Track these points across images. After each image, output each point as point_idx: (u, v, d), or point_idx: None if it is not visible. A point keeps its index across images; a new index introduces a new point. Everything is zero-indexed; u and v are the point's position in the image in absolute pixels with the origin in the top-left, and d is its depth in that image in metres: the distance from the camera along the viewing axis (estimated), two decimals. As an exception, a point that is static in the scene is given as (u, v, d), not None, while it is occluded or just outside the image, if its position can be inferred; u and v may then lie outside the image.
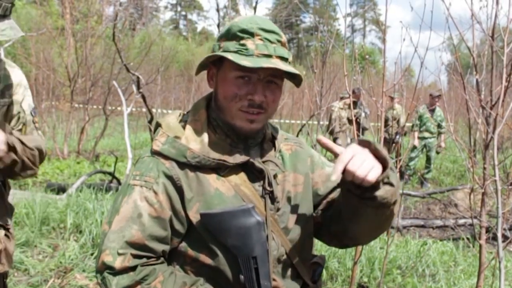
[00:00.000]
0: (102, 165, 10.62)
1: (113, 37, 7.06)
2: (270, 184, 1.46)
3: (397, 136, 9.55)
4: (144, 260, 1.36)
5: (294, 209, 1.53)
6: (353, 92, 8.59)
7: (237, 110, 1.40)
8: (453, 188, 8.22)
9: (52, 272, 4.29)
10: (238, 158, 1.43)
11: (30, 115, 2.24)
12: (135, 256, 1.35)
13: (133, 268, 1.34)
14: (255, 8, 5.90)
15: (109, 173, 7.92)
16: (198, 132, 1.43)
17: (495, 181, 2.77)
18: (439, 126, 9.69)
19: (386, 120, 8.77)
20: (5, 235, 2.17)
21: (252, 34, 1.38)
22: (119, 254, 1.33)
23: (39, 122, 2.34)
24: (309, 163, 1.64)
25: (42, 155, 2.19)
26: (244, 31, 1.38)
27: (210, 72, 1.49)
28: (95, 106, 14.65)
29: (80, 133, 12.41)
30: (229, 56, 1.35)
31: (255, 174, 1.46)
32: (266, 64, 1.33)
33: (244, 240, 1.35)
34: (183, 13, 63.17)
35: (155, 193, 1.37)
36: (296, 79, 1.47)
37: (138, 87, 7.10)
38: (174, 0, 62.27)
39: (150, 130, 7.10)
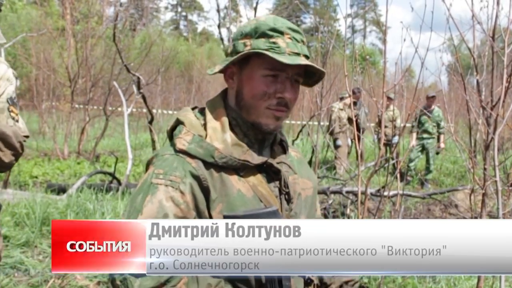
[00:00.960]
0: (102, 165, 10.62)
1: (114, 37, 7.07)
2: (286, 185, 1.46)
3: (394, 138, 9.54)
4: None
5: (304, 211, 1.55)
6: (353, 92, 8.60)
7: (265, 108, 1.40)
8: (453, 189, 8.20)
9: (52, 273, 4.29)
10: (257, 159, 1.43)
11: (6, 102, 2.19)
12: None
13: None
14: (255, 9, 5.91)
15: (110, 174, 7.92)
16: (219, 132, 1.41)
17: (496, 182, 2.77)
18: (438, 126, 9.66)
19: (381, 122, 8.75)
20: None
21: (282, 33, 1.38)
22: None
23: (18, 114, 2.28)
24: (313, 173, 1.69)
25: (7, 140, 2.10)
26: (274, 29, 1.38)
27: (229, 71, 1.47)
28: (95, 107, 14.66)
29: (81, 133, 12.41)
30: (268, 53, 1.35)
31: (271, 175, 1.46)
32: (302, 62, 1.35)
33: None
34: (184, 13, 63.19)
35: (182, 193, 1.33)
36: (312, 79, 1.49)
37: (139, 88, 7.11)
38: (174, 0, 62.33)
39: (151, 130, 7.11)
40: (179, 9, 62.95)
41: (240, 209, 1.36)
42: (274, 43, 1.37)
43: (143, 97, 6.96)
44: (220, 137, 1.40)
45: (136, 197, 1.37)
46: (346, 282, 1.65)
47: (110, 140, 14.91)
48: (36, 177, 8.95)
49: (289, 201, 1.47)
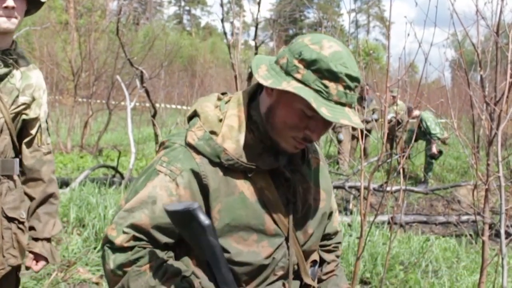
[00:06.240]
0: (105, 159, 10.64)
1: (117, 31, 7.06)
2: (294, 195, 1.44)
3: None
4: (144, 243, 1.37)
5: (313, 223, 1.52)
6: (361, 88, 8.52)
7: (290, 137, 1.36)
8: (456, 184, 8.20)
9: (55, 265, 4.30)
10: (269, 164, 1.40)
11: (45, 122, 2.31)
12: (136, 239, 1.36)
13: (131, 248, 1.36)
14: (259, 3, 5.88)
15: (112, 168, 7.94)
16: (235, 130, 1.38)
17: (499, 177, 2.76)
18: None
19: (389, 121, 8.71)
20: (19, 228, 2.21)
21: (338, 79, 1.27)
22: (123, 233, 1.35)
23: (50, 126, 2.46)
24: (330, 183, 1.65)
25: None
26: (331, 72, 1.27)
27: None
28: (98, 101, 14.68)
29: (84, 127, 12.43)
30: (312, 100, 1.25)
31: (281, 181, 1.44)
32: (343, 120, 1.26)
33: (192, 242, 1.33)
34: (187, 8, 63.10)
35: (177, 185, 1.35)
36: None
37: (142, 82, 7.11)
38: (177, -6, 62.15)
39: (154, 124, 7.12)
40: (183, 3, 62.84)
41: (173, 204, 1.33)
42: (325, 86, 1.27)
43: (146, 91, 6.97)
44: (234, 136, 1.37)
45: (140, 177, 1.42)
46: None
47: (113, 134, 14.93)
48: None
49: (295, 211, 1.45)
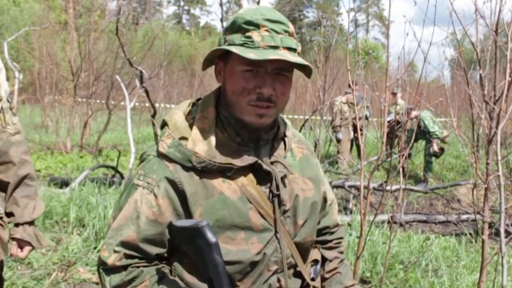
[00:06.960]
0: (105, 159, 10.64)
1: (116, 31, 7.04)
2: (277, 187, 1.43)
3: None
4: (136, 260, 1.37)
5: (302, 214, 1.51)
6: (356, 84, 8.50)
7: (246, 104, 1.36)
8: (456, 183, 8.20)
9: (55, 265, 4.31)
10: (246, 160, 1.40)
11: (7, 101, 2.23)
12: (127, 256, 1.36)
13: (125, 268, 1.36)
14: (258, 2, 5.89)
15: (112, 167, 7.94)
16: (205, 132, 1.39)
17: (498, 176, 2.76)
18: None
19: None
20: None
21: (257, 26, 1.33)
22: (115, 252, 1.36)
23: (15, 107, 2.33)
24: (320, 172, 1.63)
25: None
26: (249, 22, 1.33)
27: (218, 66, 1.45)
28: (98, 101, 14.67)
29: (83, 127, 12.43)
30: (234, 49, 1.31)
31: (262, 175, 1.43)
32: (272, 56, 1.29)
33: (197, 258, 1.33)
34: (186, 7, 63.08)
35: (155, 196, 1.36)
36: (306, 69, 1.41)
37: (141, 82, 7.10)
38: (177, -6, 62.13)
39: (153, 124, 7.11)
40: (182, 3, 62.83)
41: (196, 218, 1.36)
42: (248, 37, 1.33)
43: (146, 91, 6.95)
44: (205, 137, 1.39)
45: (122, 193, 1.44)
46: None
47: (112, 134, 14.93)
48: (39, 170, 8.96)
49: (280, 204, 1.44)
